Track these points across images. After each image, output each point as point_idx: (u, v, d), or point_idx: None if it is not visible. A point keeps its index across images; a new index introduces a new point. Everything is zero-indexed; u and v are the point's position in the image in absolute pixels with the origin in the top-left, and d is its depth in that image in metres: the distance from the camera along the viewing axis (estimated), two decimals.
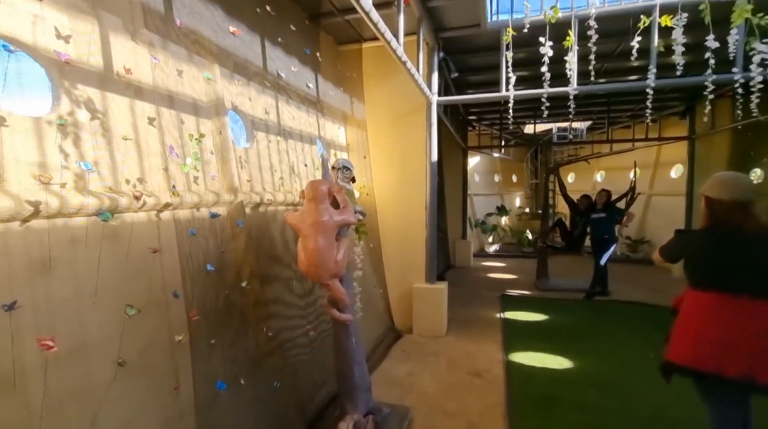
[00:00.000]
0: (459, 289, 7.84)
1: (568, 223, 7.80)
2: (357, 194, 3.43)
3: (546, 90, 4.74)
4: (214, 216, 2.30)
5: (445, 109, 7.18)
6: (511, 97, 4.67)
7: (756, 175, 7.41)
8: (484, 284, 8.24)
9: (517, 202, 15.43)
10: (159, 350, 1.91)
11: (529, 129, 11.63)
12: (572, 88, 4.54)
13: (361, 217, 2.97)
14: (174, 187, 2.03)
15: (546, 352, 4.60)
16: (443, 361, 4.45)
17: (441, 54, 5.33)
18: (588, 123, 11.92)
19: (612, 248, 6.62)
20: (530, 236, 11.81)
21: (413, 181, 5.34)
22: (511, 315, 6.04)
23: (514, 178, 15.84)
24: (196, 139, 2.22)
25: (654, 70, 3.87)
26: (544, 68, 3.65)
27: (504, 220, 14.35)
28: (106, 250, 1.70)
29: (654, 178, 10.90)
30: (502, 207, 14.01)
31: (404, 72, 3.83)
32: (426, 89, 4.72)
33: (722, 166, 8.28)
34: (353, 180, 3.05)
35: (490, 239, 12.69)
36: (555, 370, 4.16)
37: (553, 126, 12.43)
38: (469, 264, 10.33)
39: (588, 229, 6.97)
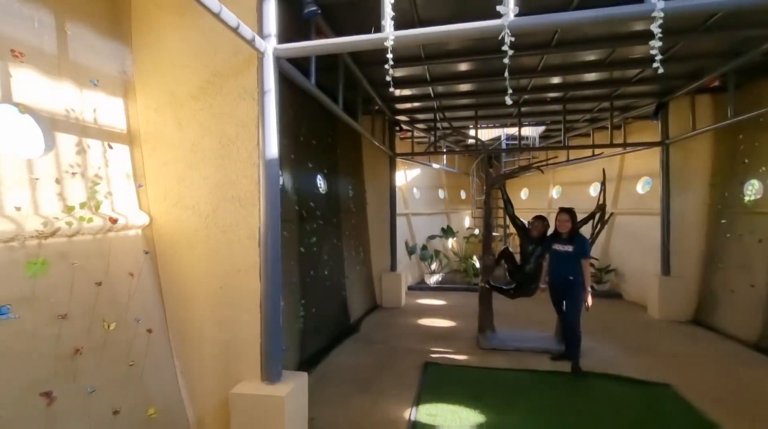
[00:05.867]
0: (370, 349, 5.44)
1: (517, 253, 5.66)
2: None
3: (456, 26, 2.59)
4: None
5: (347, 98, 4.86)
6: (390, 39, 2.45)
7: (753, 188, 5.63)
8: (410, 338, 5.88)
9: (466, 221, 13.43)
10: None
11: (475, 140, 9.64)
12: (508, 20, 2.40)
13: None
14: None
15: None
16: None
17: None
18: (541, 129, 10.13)
19: (580, 301, 4.42)
20: (477, 264, 9.69)
21: (236, 194, 2.93)
22: (428, 413, 3.67)
23: (462, 195, 13.88)
24: None
25: None
26: None
27: (450, 242, 12.25)
28: None
29: (618, 193, 9.16)
30: (448, 228, 11.92)
31: None
32: (246, 31, 2.40)
33: (705, 177, 6.55)
34: None
35: (432, 267, 10.47)
36: None
37: (501, 133, 10.59)
38: (399, 304, 7.98)
39: (544, 265, 4.82)
